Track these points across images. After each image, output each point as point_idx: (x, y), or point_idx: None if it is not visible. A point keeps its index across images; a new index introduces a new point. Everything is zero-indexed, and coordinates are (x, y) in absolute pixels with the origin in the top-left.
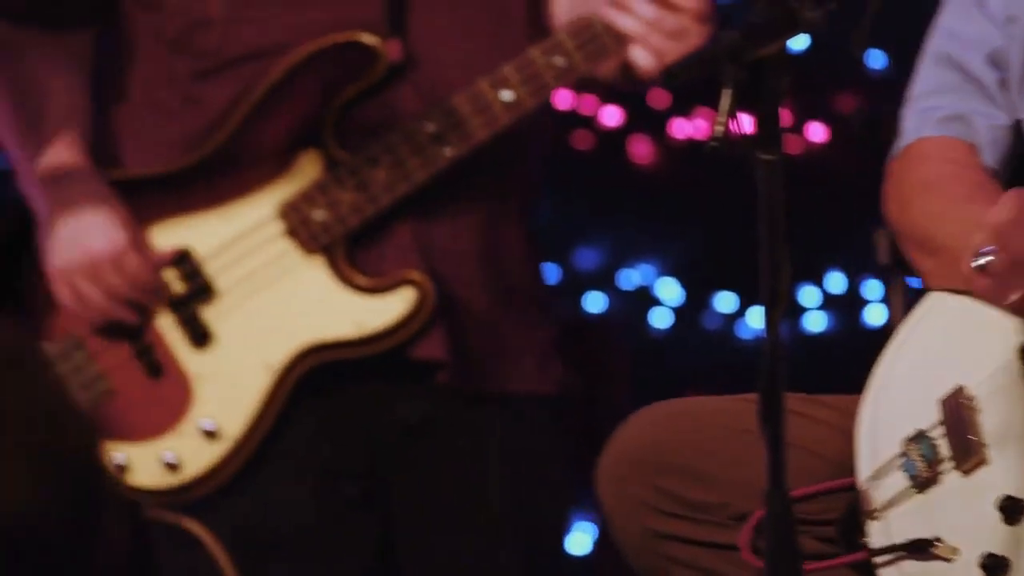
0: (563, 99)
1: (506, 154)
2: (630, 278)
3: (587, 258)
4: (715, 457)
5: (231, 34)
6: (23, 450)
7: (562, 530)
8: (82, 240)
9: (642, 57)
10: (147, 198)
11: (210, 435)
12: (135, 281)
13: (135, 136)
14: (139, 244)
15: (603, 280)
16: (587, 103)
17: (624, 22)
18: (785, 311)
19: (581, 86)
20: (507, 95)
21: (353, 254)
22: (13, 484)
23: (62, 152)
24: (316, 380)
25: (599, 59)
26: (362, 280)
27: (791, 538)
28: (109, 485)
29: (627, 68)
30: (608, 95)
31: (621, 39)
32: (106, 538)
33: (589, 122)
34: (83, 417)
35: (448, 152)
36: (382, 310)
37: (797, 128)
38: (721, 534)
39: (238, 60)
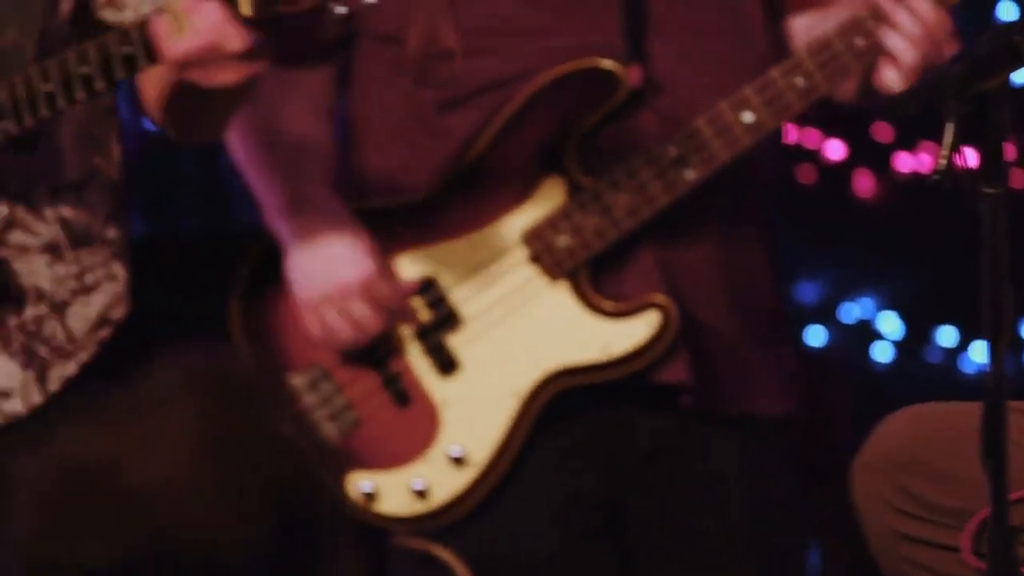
0: (787, 132)
1: (743, 174)
2: (851, 312)
3: (809, 291)
4: (962, 461)
5: (471, 65)
6: (247, 481)
7: (801, 553)
8: (330, 270)
9: (893, 79)
10: (392, 227)
11: (458, 462)
12: (384, 310)
13: (383, 169)
14: (386, 272)
15: (824, 314)
16: (811, 137)
17: (890, 40)
18: (1008, 345)
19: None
20: (748, 117)
21: (596, 278)
22: (238, 514)
23: (305, 184)
24: (558, 406)
25: (840, 79)
26: (607, 304)
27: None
28: (341, 516)
29: (867, 87)
30: (832, 129)
31: (861, 56)
32: (339, 568)
33: (813, 156)
34: (316, 447)
35: (690, 175)
36: (628, 334)
37: (1021, 162)
38: (958, 539)
39: (480, 90)
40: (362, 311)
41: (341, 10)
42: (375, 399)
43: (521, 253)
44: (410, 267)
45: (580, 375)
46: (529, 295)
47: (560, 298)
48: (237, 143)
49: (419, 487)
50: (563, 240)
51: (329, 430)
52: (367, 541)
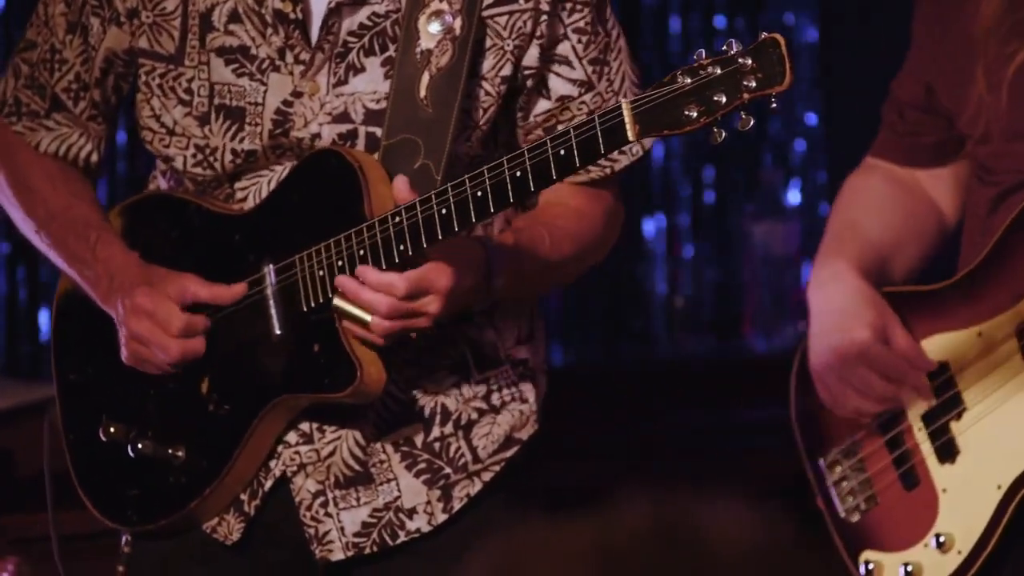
0: None
1: None
2: None
3: None
4: None
5: (1016, 160)
6: None
7: None
8: (832, 339)
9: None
10: (917, 311)
11: (945, 550)
12: (886, 370)
13: (961, 262)
14: (887, 344)
15: None
16: None
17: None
18: None
19: None
20: None
21: None
22: None
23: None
24: None
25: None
26: None
27: None
28: None
29: None
30: None
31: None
32: None
33: None
34: (837, 523)
35: None
36: None
37: None
38: None
39: (1018, 186)
40: (863, 378)
41: (721, 135)
42: (887, 477)
43: (1013, 346)
44: (929, 350)
45: None
46: (1016, 388)
47: None
48: (837, 199)
49: (908, 571)
50: None
51: (851, 505)
52: None
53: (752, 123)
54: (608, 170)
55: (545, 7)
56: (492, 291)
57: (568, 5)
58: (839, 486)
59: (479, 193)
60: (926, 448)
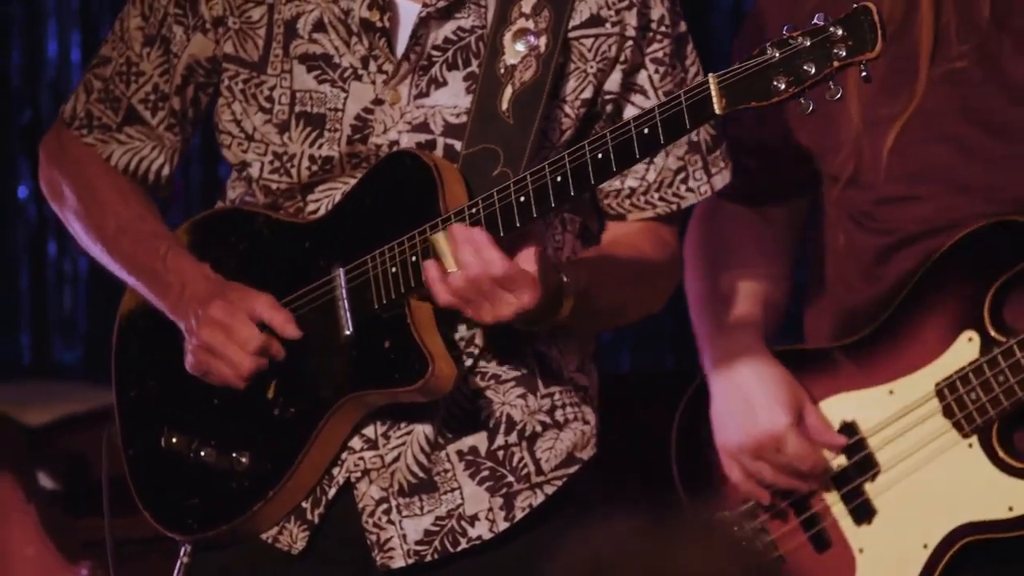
0: None
1: None
2: None
3: None
4: None
5: (906, 211)
6: None
7: None
8: (746, 421)
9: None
10: (820, 369)
11: None
12: (797, 461)
13: (818, 303)
14: (801, 424)
15: None
16: None
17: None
18: None
19: None
20: None
21: (1007, 436)
22: None
23: (739, 329)
24: (964, 558)
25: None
26: (1015, 462)
27: None
28: None
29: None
30: None
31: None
32: None
33: None
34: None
35: None
36: None
37: None
38: None
39: (912, 237)
40: (776, 461)
41: (809, 106)
42: (795, 540)
43: (933, 405)
44: (834, 409)
45: (987, 531)
46: (939, 448)
47: (969, 453)
48: (692, 255)
49: None
50: (973, 396)
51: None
52: None
53: (840, 94)
54: (675, 206)
55: (631, 32)
56: (556, 320)
57: (650, 34)
58: None
59: (559, 178)
60: (838, 510)
